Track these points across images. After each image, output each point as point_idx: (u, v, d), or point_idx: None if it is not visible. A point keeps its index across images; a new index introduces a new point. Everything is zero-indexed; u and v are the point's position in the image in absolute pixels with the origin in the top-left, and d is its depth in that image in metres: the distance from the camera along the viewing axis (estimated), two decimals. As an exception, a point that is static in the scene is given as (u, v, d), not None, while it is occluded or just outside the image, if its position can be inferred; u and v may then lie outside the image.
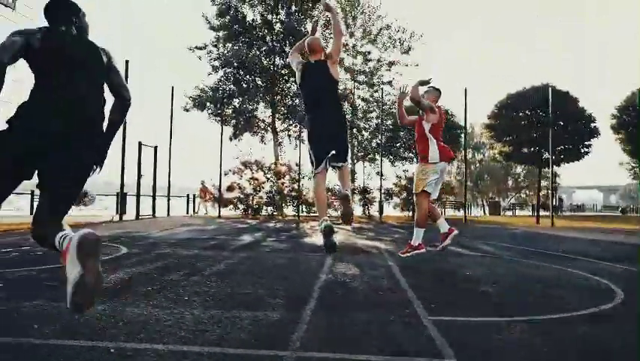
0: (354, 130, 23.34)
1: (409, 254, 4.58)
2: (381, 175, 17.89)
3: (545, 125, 17.05)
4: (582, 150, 19.15)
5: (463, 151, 19.43)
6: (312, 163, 4.10)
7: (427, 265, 4.56)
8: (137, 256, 4.75)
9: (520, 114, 19.42)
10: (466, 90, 15.60)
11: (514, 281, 3.77)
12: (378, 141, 21.89)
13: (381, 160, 17.94)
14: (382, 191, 17.60)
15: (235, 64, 19.88)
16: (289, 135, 23.18)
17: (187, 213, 21.23)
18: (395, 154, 21.60)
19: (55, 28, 2.21)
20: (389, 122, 20.81)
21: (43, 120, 2.00)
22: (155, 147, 15.31)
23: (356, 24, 24.32)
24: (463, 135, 19.62)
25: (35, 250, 4.90)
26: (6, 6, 5.54)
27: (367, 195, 18.56)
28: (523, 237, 9.41)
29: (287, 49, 21.50)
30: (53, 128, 2.00)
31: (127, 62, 13.07)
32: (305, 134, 4.21)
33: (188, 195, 22.59)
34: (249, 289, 3.08)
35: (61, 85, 2.08)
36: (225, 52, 20.78)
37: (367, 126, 23.32)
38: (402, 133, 20.54)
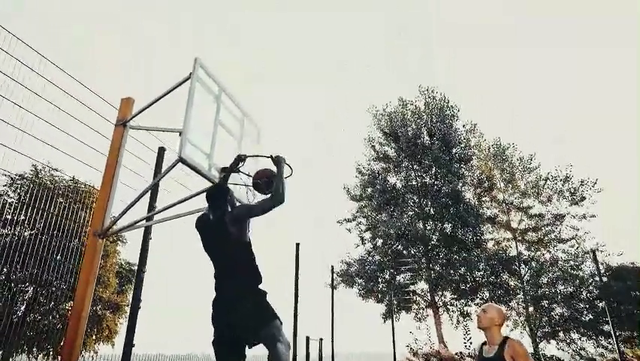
0: (528, 299, 19.12)
1: None
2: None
3: None
4: None
5: None
6: None
7: None
8: None
9: None
10: None
11: None
12: (578, 315, 17.30)
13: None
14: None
15: (392, 233, 18.27)
16: (447, 309, 19.71)
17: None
18: (599, 331, 16.64)
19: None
20: (585, 291, 16.55)
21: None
22: (320, 340, 13.08)
23: (505, 177, 22.18)
24: None
25: None
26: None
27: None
28: None
29: (435, 212, 19.81)
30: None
31: (297, 244, 12.02)
32: None
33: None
34: None
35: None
36: (375, 222, 19.57)
37: (548, 293, 18.93)
38: (601, 303, 16.01)
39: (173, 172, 4.78)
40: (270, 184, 3.21)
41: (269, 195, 3.12)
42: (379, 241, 19.43)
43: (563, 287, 18.80)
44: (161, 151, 6.44)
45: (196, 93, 3.86)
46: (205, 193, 2.97)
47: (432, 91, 21.45)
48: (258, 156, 4.50)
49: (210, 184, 4.02)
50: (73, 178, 7.73)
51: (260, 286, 2.84)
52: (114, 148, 4.74)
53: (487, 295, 18.79)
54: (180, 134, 3.59)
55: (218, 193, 2.95)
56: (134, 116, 4.70)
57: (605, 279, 16.70)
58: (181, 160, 3.52)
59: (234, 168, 3.99)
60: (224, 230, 2.74)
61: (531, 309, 18.97)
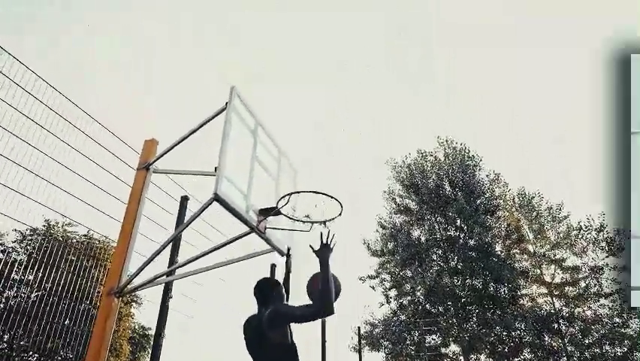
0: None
1: None
2: None
3: None
4: None
5: None
6: None
7: None
8: None
9: None
10: None
11: None
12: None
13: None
14: None
15: (420, 290, 17.13)
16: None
17: None
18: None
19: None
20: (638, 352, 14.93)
21: None
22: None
23: (534, 228, 21.11)
24: None
25: None
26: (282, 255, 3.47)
27: None
28: None
29: (462, 266, 18.68)
30: None
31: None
32: None
33: None
34: None
35: None
36: (400, 279, 18.47)
37: (597, 355, 17.16)
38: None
39: (196, 223, 4.21)
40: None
41: (314, 303, 2.39)
42: (406, 300, 18.21)
43: (609, 348, 17.11)
44: (184, 200, 5.92)
45: (231, 126, 3.39)
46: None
47: (451, 142, 21.14)
48: (296, 192, 3.90)
49: (247, 229, 3.42)
50: (88, 233, 7.19)
51: None
52: (135, 194, 4.22)
53: (528, 357, 17.15)
54: (216, 170, 3.06)
55: (261, 287, 2.68)
56: (158, 158, 4.23)
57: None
58: (216, 198, 2.96)
59: (276, 212, 3.42)
60: (262, 333, 2.49)
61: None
